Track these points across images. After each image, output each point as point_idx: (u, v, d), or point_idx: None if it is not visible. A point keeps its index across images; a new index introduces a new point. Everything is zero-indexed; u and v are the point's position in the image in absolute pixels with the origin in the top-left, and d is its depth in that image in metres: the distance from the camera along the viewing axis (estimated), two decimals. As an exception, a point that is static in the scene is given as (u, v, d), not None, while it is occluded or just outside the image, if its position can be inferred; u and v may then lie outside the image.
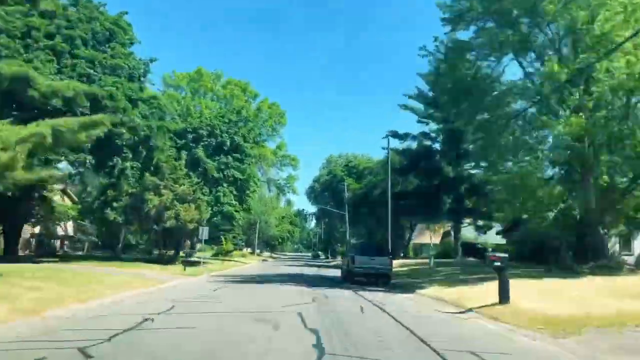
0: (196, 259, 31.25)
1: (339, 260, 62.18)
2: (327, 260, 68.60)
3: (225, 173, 40.02)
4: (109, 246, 35.49)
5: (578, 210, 20.76)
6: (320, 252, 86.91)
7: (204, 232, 26.64)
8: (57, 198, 38.82)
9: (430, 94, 38.47)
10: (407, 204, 40.12)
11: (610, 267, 18.14)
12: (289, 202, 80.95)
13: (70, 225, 43.03)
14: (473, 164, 38.73)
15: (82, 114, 19.45)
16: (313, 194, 74.03)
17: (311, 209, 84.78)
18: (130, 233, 35.00)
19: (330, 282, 20.75)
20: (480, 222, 40.15)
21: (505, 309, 10.61)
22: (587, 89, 17.94)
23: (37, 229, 34.67)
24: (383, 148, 49.03)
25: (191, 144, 39.76)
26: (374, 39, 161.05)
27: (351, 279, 20.22)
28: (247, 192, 43.27)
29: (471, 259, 35.24)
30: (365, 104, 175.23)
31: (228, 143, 41.23)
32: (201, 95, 52.95)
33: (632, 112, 18.20)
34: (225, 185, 39.96)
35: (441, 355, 6.03)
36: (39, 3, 22.78)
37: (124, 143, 24.04)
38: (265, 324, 7.90)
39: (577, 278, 15.94)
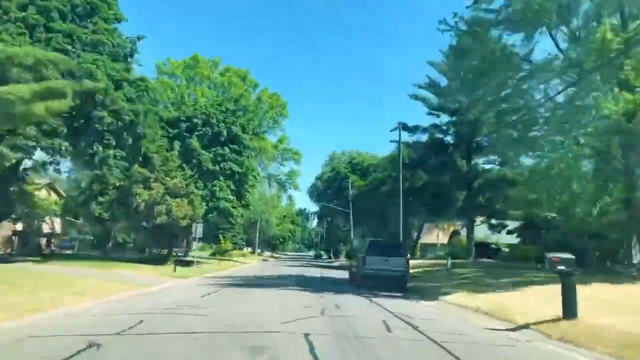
0: (191, 259, 28.95)
1: (342, 260, 60.22)
2: (330, 260, 66.59)
3: (221, 165, 36.77)
4: (103, 245, 33.11)
5: (616, 205, 18.32)
6: (322, 252, 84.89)
7: (198, 230, 24.63)
8: (43, 194, 36.53)
9: (442, 83, 36.27)
10: (416, 201, 37.84)
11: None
12: (290, 199, 78.54)
13: (58, 222, 40.71)
14: (488, 157, 36.35)
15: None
16: (315, 192, 71.59)
17: (313, 208, 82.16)
18: (118, 230, 32.46)
19: (337, 286, 18.34)
20: (493, 221, 37.67)
21: (574, 326, 8.21)
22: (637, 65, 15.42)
23: (19, 226, 32.42)
24: (391, 141, 46.64)
25: (185, 134, 36.51)
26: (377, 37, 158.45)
27: (361, 283, 17.67)
28: (246, 186, 39.94)
29: (485, 259, 33.17)
30: (369, 101, 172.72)
31: (225, 133, 37.84)
32: (197, 83, 49.55)
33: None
34: (221, 178, 36.72)
35: None
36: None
37: (106, 128, 21.36)
38: (259, 357, 5.46)
39: (634, 283, 13.51)
